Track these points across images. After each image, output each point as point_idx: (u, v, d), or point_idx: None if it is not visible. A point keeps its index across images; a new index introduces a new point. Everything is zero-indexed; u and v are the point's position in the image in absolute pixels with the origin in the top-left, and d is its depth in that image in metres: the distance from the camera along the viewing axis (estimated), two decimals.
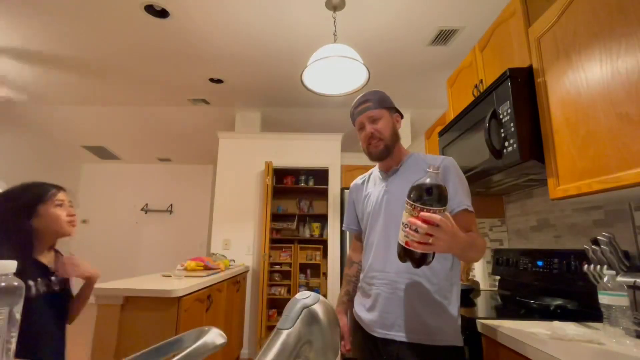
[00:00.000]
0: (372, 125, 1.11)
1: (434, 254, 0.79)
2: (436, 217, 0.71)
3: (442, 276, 1.01)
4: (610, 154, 0.93)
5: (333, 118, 4.30)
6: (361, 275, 1.18)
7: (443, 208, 0.73)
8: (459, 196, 1.00)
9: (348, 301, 1.23)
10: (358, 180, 1.30)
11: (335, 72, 2.02)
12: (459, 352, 0.99)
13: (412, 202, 0.74)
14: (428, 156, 1.14)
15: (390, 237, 1.05)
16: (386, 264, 1.05)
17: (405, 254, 0.78)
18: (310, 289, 4.18)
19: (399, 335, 0.99)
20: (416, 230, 0.72)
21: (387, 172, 1.16)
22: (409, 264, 1.01)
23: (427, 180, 0.73)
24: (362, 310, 1.12)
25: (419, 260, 0.78)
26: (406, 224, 0.74)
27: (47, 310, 1.14)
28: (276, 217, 4.43)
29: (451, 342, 0.97)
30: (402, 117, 1.20)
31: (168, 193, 6.31)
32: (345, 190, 3.74)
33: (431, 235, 0.72)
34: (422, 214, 0.71)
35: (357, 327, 1.14)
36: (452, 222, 0.75)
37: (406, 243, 0.75)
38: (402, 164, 1.13)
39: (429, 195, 0.72)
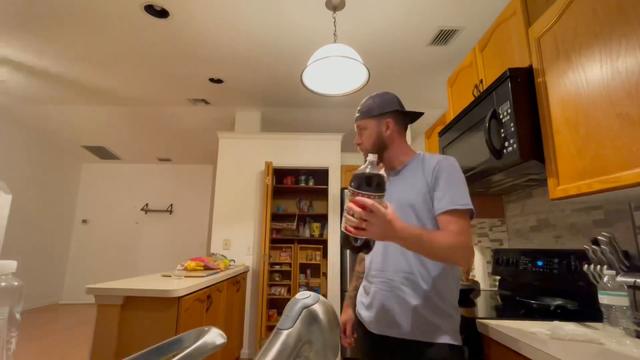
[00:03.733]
0: (359, 136, 1.17)
1: (373, 242, 0.83)
2: (368, 201, 0.75)
3: (439, 275, 1.01)
4: (610, 154, 0.93)
5: (333, 118, 4.30)
6: (364, 274, 1.19)
7: (379, 194, 0.77)
8: (446, 198, 0.98)
9: (355, 296, 1.26)
10: None
11: (335, 72, 2.02)
12: (456, 351, 0.99)
13: (351, 189, 0.79)
14: (431, 156, 1.11)
15: None
16: (384, 263, 1.07)
17: (344, 239, 0.83)
18: (310, 289, 4.18)
19: (396, 332, 1.00)
20: (353, 216, 0.77)
21: (389, 174, 1.17)
22: (408, 263, 1.02)
23: (367, 169, 0.78)
24: (361, 307, 1.14)
25: (358, 247, 0.82)
26: (346, 210, 0.79)
27: None
28: (276, 217, 4.43)
29: (448, 340, 0.97)
30: (405, 116, 1.16)
31: (168, 193, 6.31)
32: (346, 190, 3.74)
33: (365, 221, 0.76)
34: (356, 198, 0.76)
35: (358, 324, 1.17)
36: (387, 210, 0.78)
37: (345, 228, 0.80)
38: (405, 166, 1.13)
39: (366, 182, 0.77)
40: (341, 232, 0.83)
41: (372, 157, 0.79)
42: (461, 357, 1.02)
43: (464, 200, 0.98)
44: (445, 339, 0.97)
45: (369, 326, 1.07)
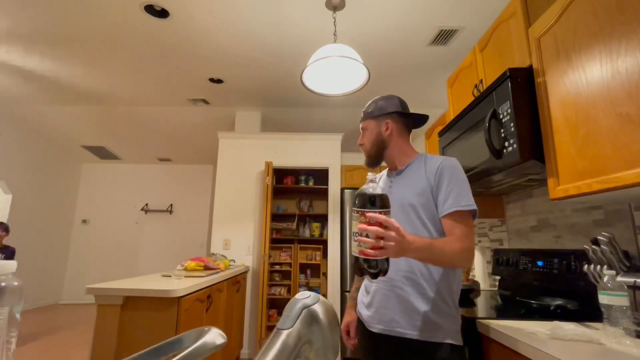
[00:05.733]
0: (361, 137, 1.20)
1: (388, 263, 0.77)
2: (381, 216, 0.73)
3: (440, 275, 1.01)
4: (610, 154, 0.93)
5: (333, 118, 4.30)
6: None
7: (386, 210, 0.76)
8: (450, 200, 1.00)
9: (357, 297, 1.25)
10: None
11: (335, 72, 2.02)
12: (457, 351, 0.99)
13: (357, 209, 0.76)
14: (433, 157, 1.12)
15: None
16: None
17: (361, 265, 0.76)
18: (310, 289, 4.18)
19: (396, 331, 1.00)
20: (367, 236, 0.73)
21: (393, 173, 1.18)
22: (409, 263, 1.01)
23: (370, 189, 0.77)
24: (362, 306, 1.15)
25: (376, 270, 0.76)
26: (357, 233, 0.75)
27: None
28: (276, 217, 4.42)
29: (448, 339, 0.97)
30: (407, 118, 1.17)
31: (168, 193, 6.31)
32: (346, 190, 3.74)
33: (381, 238, 0.73)
34: (368, 214, 0.74)
35: (359, 323, 1.17)
36: (397, 224, 0.75)
37: (360, 252, 0.75)
38: (408, 166, 1.14)
39: (370, 201, 0.76)
40: (355, 259, 0.76)
41: (371, 175, 0.78)
42: (462, 358, 1.03)
43: (467, 201, 0.99)
44: (446, 339, 0.97)
45: (369, 325, 1.08)
